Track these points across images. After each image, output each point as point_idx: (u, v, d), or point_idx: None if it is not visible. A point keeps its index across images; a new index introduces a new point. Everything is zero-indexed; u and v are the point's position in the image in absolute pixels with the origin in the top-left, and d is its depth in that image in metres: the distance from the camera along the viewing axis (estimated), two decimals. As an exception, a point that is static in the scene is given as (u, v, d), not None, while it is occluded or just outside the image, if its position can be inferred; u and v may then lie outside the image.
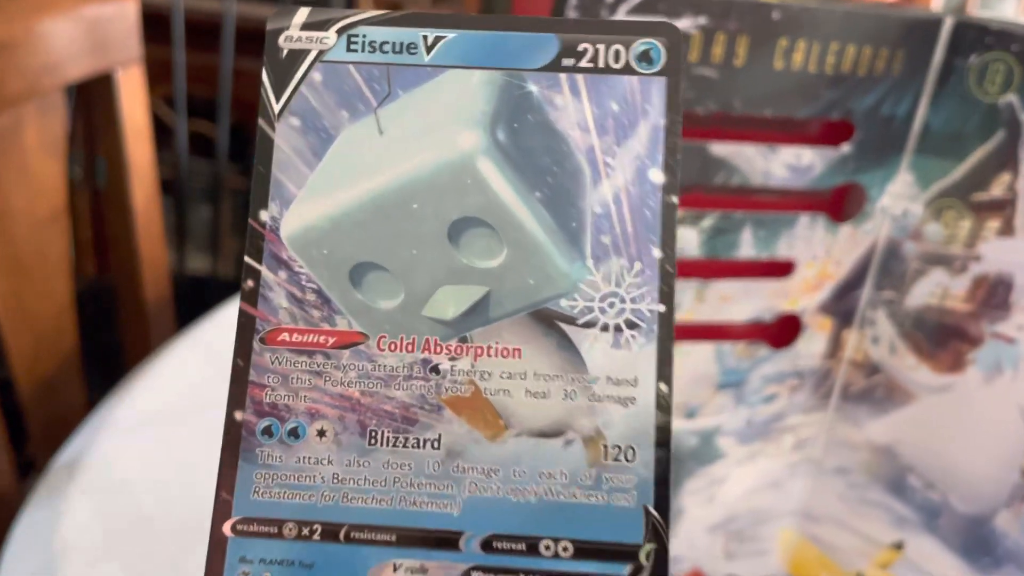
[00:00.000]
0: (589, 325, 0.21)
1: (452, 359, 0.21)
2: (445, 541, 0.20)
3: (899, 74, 0.33)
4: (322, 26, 0.22)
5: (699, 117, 0.33)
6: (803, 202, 0.35)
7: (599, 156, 0.22)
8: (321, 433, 0.21)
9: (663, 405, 0.21)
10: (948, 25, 0.33)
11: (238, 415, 0.21)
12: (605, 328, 0.21)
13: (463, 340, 0.21)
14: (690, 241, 0.34)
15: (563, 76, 0.22)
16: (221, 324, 0.63)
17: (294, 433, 0.21)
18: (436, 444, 0.21)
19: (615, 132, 0.22)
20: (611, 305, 0.21)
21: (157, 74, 0.85)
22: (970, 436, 0.35)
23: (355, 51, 0.22)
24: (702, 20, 0.31)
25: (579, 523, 0.20)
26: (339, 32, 0.22)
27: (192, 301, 0.96)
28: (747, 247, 0.35)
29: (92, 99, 0.70)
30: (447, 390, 0.21)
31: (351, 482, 0.21)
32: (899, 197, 0.35)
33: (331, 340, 0.21)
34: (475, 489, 0.21)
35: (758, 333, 0.37)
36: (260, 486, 0.21)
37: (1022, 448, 0.34)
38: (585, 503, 0.20)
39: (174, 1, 1.01)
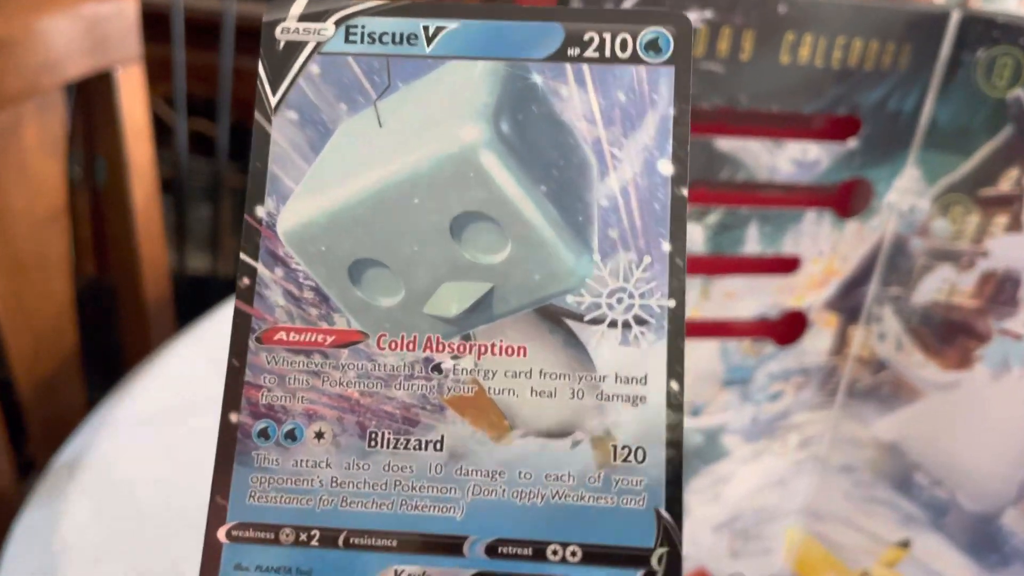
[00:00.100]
0: (596, 322, 0.21)
1: (455, 358, 0.21)
2: (448, 546, 0.20)
3: (906, 68, 0.33)
4: (320, 17, 0.22)
5: (704, 112, 0.32)
6: (809, 198, 0.35)
7: (606, 148, 0.21)
8: (319, 435, 0.20)
9: (674, 404, 0.20)
10: (955, 19, 0.33)
11: (233, 417, 0.21)
12: (613, 324, 0.21)
13: (466, 338, 0.21)
14: (695, 237, 0.34)
15: (568, 66, 0.21)
16: (221, 323, 0.63)
17: (291, 435, 0.20)
18: (438, 446, 0.20)
19: (622, 123, 0.21)
20: (619, 301, 0.21)
21: (157, 73, 0.84)
22: (977, 433, 0.35)
23: (354, 42, 0.22)
24: (708, 14, 0.30)
25: (588, 527, 0.20)
26: (337, 23, 0.22)
27: (192, 301, 0.96)
28: (753, 243, 0.35)
29: (92, 98, 0.70)
30: (450, 390, 0.21)
31: (350, 485, 0.20)
32: (906, 192, 0.35)
33: (329, 339, 0.21)
34: (479, 492, 0.20)
35: (764, 330, 0.37)
36: (256, 490, 0.20)
37: (1030, 445, 0.34)
38: (594, 506, 0.20)
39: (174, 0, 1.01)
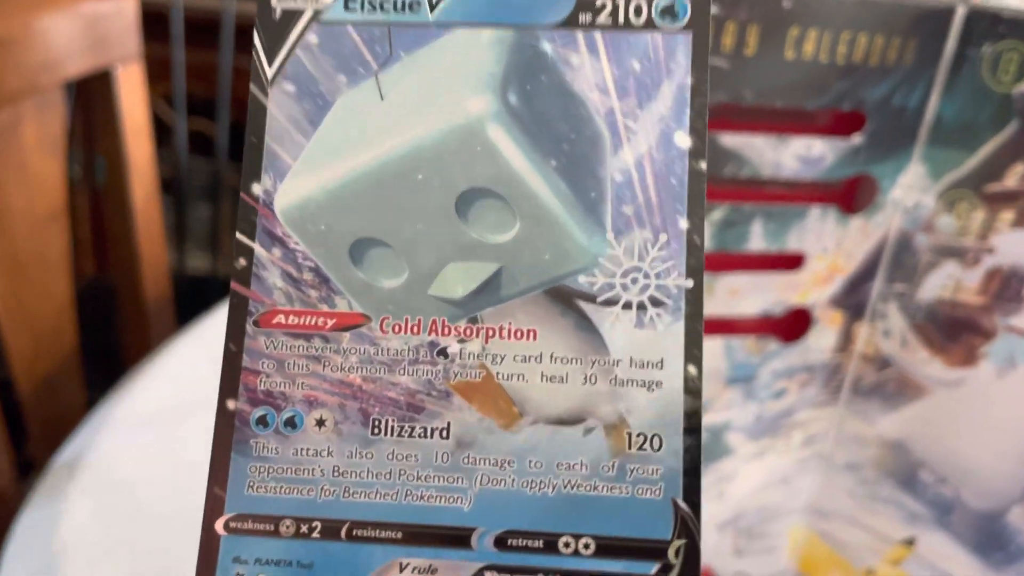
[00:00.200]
0: (610, 303, 0.20)
1: (461, 341, 0.20)
2: (455, 538, 0.19)
3: (911, 64, 0.33)
4: None
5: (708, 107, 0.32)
6: (814, 194, 0.35)
7: (620, 120, 0.20)
8: (320, 423, 0.20)
9: (692, 389, 0.19)
10: (960, 14, 0.32)
11: (230, 404, 0.20)
12: (628, 306, 0.20)
13: (473, 321, 0.20)
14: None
15: (580, 33, 0.20)
16: (221, 322, 0.62)
17: (291, 423, 0.20)
18: (445, 433, 0.20)
19: (637, 93, 0.20)
20: (634, 281, 0.20)
21: (156, 72, 0.84)
22: (983, 431, 0.35)
23: (353, 10, 0.21)
24: (712, 9, 0.30)
25: (601, 518, 0.19)
26: None
27: (192, 300, 0.96)
28: (757, 240, 0.34)
29: (91, 97, 0.70)
30: (456, 375, 0.20)
31: (353, 475, 0.19)
32: (911, 188, 0.35)
33: (330, 322, 0.20)
34: (488, 482, 0.19)
35: (768, 327, 0.36)
36: (255, 480, 0.19)
37: (1037, 442, 0.34)
38: (608, 496, 0.19)
39: (173, -1, 1.01)
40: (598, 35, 0.20)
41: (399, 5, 0.21)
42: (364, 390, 0.20)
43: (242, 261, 0.20)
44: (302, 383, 0.20)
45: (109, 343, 0.85)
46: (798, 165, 0.34)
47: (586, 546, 0.19)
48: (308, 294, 0.20)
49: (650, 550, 0.19)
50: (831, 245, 0.35)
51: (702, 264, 0.20)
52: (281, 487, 0.19)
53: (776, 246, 0.35)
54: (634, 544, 0.19)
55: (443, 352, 0.20)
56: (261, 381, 0.20)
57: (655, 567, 0.19)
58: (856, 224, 0.35)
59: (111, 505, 0.46)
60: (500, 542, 0.19)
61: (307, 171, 0.20)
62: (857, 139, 0.34)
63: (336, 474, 0.19)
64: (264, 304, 0.20)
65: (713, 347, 0.35)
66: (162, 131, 0.99)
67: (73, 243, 0.71)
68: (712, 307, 0.35)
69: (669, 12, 0.20)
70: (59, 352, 0.69)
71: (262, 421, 0.20)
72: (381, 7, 0.21)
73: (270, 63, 0.21)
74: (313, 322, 0.20)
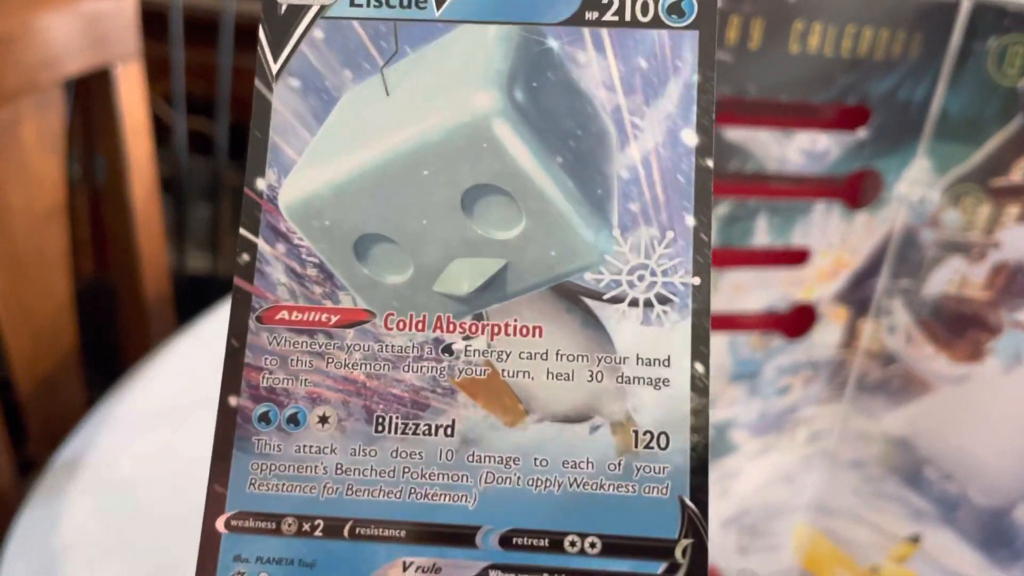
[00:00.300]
0: (617, 300, 0.20)
1: (466, 338, 0.20)
2: (460, 537, 0.19)
3: (916, 58, 0.33)
4: None
5: (713, 102, 0.32)
6: (819, 189, 0.34)
7: (626, 117, 0.20)
8: (323, 419, 0.20)
9: (699, 387, 0.19)
10: (966, 7, 0.32)
11: (232, 400, 0.20)
12: (634, 303, 0.20)
13: (478, 317, 0.20)
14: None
15: (586, 30, 0.20)
16: (222, 320, 0.62)
17: (294, 420, 0.20)
18: (449, 431, 0.19)
19: (643, 91, 0.20)
20: (640, 278, 0.20)
21: (155, 71, 0.84)
22: (989, 427, 0.35)
23: (359, 5, 0.21)
24: (717, 2, 0.30)
25: (608, 517, 0.19)
26: None
27: (192, 300, 0.96)
28: (762, 235, 0.34)
29: (91, 95, 0.70)
30: (461, 372, 0.20)
31: (356, 473, 0.19)
32: (916, 183, 0.35)
33: (334, 318, 0.20)
34: (493, 480, 0.19)
35: (772, 323, 0.36)
36: (257, 478, 0.19)
37: (1043, 439, 0.33)
38: (614, 495, 0.19)
39: (173, -2, 1.01)
40: (605, 32, 0.20)
41: (405, 1, 0.21)
42: (368, 387, 0.20)
43: (245, 256, 0.20)
44: (305, 380, 0.20)
45: (109, 343, 0.85)
46: (803, 160, 0.33)
47: (592, 545, 0.19)
48: (312, 290, 0.20)
49: (657, 549, 0.19)
50: (836, 240, 0.35)
51: (709, 261, 0.20)
52: (283, 485, 0.19)
53: (781, 241, 0.35)
54: (641, 543, 0.19)
55: (448, 349, 0.20)
56: (264, 377, 0.20)
57: (662, 566, 0.19)
58: (861, 219, 0.35)
59: (111, 504, 0.46)
60: (505, 541, 0.19)
61: (312, 166, 0.20)
62: (862, 133, 0.34)
63: (339, 472, 0.19)
64: (267, 300, 0.20)
65: (717, 343, 0.35)
66: (161, 131, 0.98)
67: (73, 243, 0.71)
68: (716, 303, 0.35)
69: (676, 9, 0.20)
70: (59, 351, 0.69)
71: (264, 418, 0.20)
72: (387, 3, 0.21)
73: (275, 58, 0.21)
74: (317, 318, 0.20)
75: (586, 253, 0.20)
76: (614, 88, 0.20)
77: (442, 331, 0.20)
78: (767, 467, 0.39)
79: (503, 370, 0.20)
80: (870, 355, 0.37)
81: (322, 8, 0.21)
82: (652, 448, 0.19)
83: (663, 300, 0.20)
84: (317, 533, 0.19)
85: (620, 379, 0.19)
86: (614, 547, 0.19)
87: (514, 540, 0.19)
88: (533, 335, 0.20)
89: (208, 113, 1.15)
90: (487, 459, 0.19)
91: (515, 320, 0.20)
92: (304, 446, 0.19)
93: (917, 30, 0.32)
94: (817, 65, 0.32)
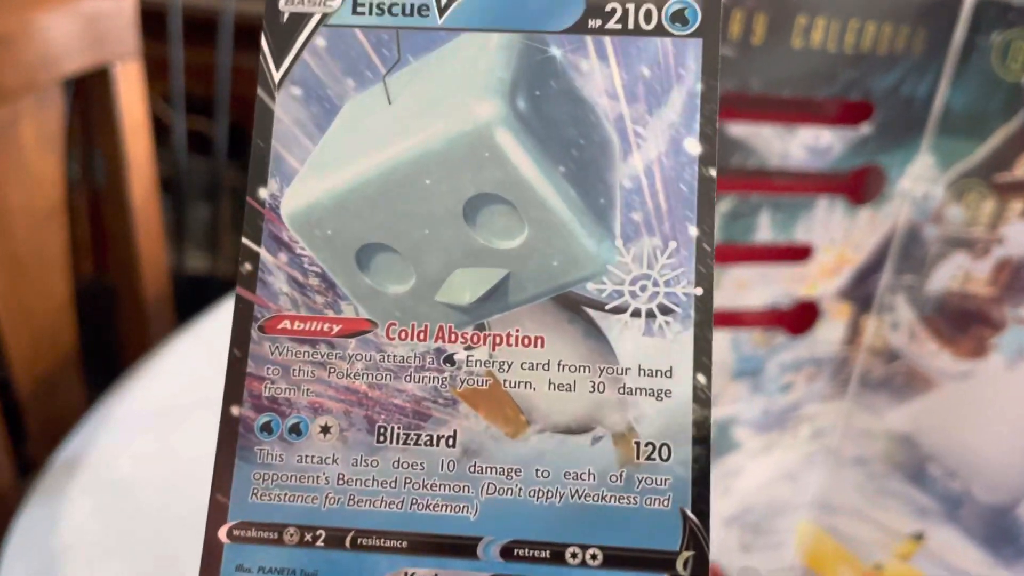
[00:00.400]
0: (619, 311, 0.20)
1: (468, 348, 0.20)
2: (461, 548, 0.19)
3: (920, 53, 0.33)
4: None
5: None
6: (822, 184, 0.34)
7: (629, 126, 0.20)
8: (325, 429, 0.20)
9: (701, 398, 0.19)
10: (969, 2, 0.32)
11: (235, 410, 0.20)
12: (636, 314, 0.20)
13: (480, 328, 0.20)
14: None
15: (589, 38, 0.20)
16: (221, 320, 0.62)
17: (295, 430, 0.20)
18: (451, 441, 0.19)
19: (646, 99, 0.20)
20: (643, 288, 0.20)
21: (155, 71, 0.84)
22: (992, 424, 0.35)
23: (362, 14, 0.21)
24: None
25: (609, 528, 0.19)
26: None
27: (191, 300, 0.96)
28: (764, 231, 0.34)
29: (90, 94, 0.69)
30: (463, 382, 0.20)
31: (358, 483, 0.19)
32: (920, 179, 0.35)
33: (336, 328, 0.20)
34: (494, 491, 0.19)
35: (775, 320, 0.36)
36: (259, 488, 0.19)
37: (1048, 435, 0.33)
38: (615, 506, 0.19)
39: (171, -3, 1.00)
40: (608, 40, 0.20)
41: (408, 9, 0.21)
42: (370, 397, 0.20)
43: (248, 266, 0.20)
44: (307, 389, 0.20)
45: (108, 343, 0.85)
46: (806, 155, 0.33)
47: (593, 557, 0.19)
48: (314, 299, 0.20)
49: (658, 561, 0.19)
50: (839, 236, 0.35)
51: (711, 272, 0.20)
52: (285, 495, 0.19)
53: (784, 237, 0.34)
54: (642, 555, 0.19)
55: (450, 359, 0.20)
56: (266, 387, 0.20)
57: None
58: (864, 215, 0.35)
59: (110, 504, 0.46)
60: (507, 552, 0.19)
61: (314, 175, 0.20)
62: (865, 129, 0.33)
63: (341, 482, 0.19)
64: (269, 309, 0.20)
65: (720, 340, 0.35)
66: (161, 130, 0.98)
67: (72, 242, 0.71)
68: (719, 299, 0.35)
69: (679, 17, 0.20)
70: (58, 351, 0.69)
71: (266, 428, 0.20)
72: (390, 11, 0.21)
73: (277, 66, 0.21)
74: (319, 328, 0.20)
75: (588, 263, 0.20)
76: (617, 97, 0.20)
77: (444, 341, 0.20)
78: (770, 464, 0.38)
79: (505, 380, 0.20)
80: (873, 352, 0.37)
81: (324, 16, 0.21)
82: (654, 459, 0.19)
83: (665, 311, 0.20)
84: (319, 543, 0.19)
85: (622, 390, 0.19)
86: (615, 559, 0.19)
87: (515, 551, 0.19)
88: (535, 345, 0.20)
89: (207, 113, 1.15)
90: (488, 470, 0.19)
91: (517, 330, 0.20)
92: (306, 456, 0.19)
93: (920, 25, 0.32)
94: (820, 60, 0.32)
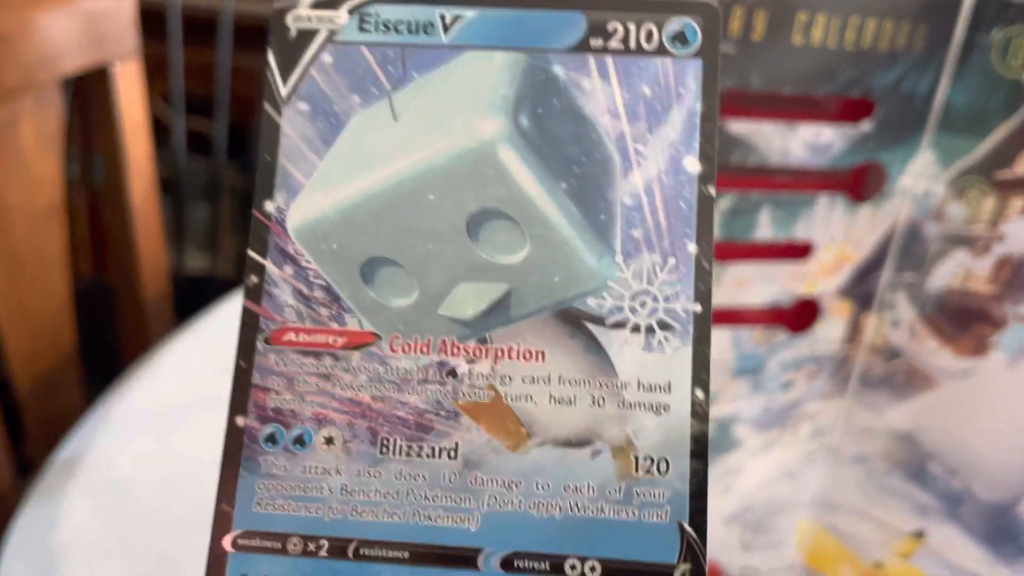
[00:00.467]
0: (619, 326, 0.20)
1: (470, 362, 0.20)
2: (462, 559, 0.19)
3: (920, 50, 0.33)
4: (333, 4, 0.21)
5: (716, 94, 0.32)
6: (822, 182, 0.34)
7: (630, 144, 0.20)
8: (329, 441, 0.20)
9: (699, 413, 0.19)
10: (970, -1, 0.32)
11: (240, 421, 0.20)
12: (636, 329, 0.20)
13: (482, 341, 0.20)
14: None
15: (591, 58, 0.21)
16: (220, 320, 0.62)
17: (300, 440, 0.20)
18: (453, 454, 0.20)
19: (647, 118, 0.20)
20: (642, 304, 0.20)
21: (154, 71, 0.84)
22: (993, 421, 0.35)
23: (368, 31, 0.21)
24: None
25: (608, 541, 0.19)
26: (351, 11, 0.21)
27: (191, 300, 0.96)
28: (764, 229, 0.34)
29: (89, 94, 0.69)
30: (465, 395, 0.20)
31: (361, 494, 0.20)
32: (920, 176, 0.35)
33: (340, 340, 0.20)
34: (495, 503, 0.19)
35: (775, 318, 0.36)
36: (263, 497, 0.20)
37: (1048, 434, 0.33)
38: (614, 519, 0.19)
39: (171, -3, 1.00)
40: (609, 60, 0.21)
41: (414, 27, 0.21)
42: (373, 409, 0.20)
43: (254, 279, 0.20)
44: (311, 401, 0.20)
45: (107, 342, 0.84)
46: (806, 152, 0.33)
47: (592, 569, 0.19)
48: (319, 312, 0.20)
49: (656, 574, 0.19)
50: (839, 234, 0.35)
51: (710, 288, 0.20)
52: (289, 505, 0.20)
53: (784, 235, 0.34)
54: (640, 568, 0.19)
55: (452, 372, 0.20)
56: (271, 398, 0.20)
57: None
58: (865, 212, 0.35)
59: (109, 504, 0.46)
60: (506, 563, 0.19)
61: (320, 190, 0.20)
62: (866, 126, 0.33)
63: (344, 492, 0.20)
64: (275, 321, 0.20)
65: (720, 338, 0.35)
66: (160, 131, 0.98)
67: (71, 242, 0.71)
68: (719, 297, 0.35)
69: (680, 38, 0.21)
70: (57, 351, 0.68)
71: (271, 438, 0.20)
72: (396, 28, 0.21)
73: (284, 82, 0.21)
74: (323, 340, 0.20)
75: (589, 279, 0.20)
76: (618, 115, 0.20)
77: (446, 354, 0.20)
78: (770, 463, 0.38)
79: (506, 394, 0.20)
80: (874, 350, 0.37)
81: (331, 33, 0.21)
82: (652, 473, 0.19)
83: (664, 326, 0.20)
84: (322, 553, 0.19)
85: (621, 404, 0.20)
86: (614, 571, 0.19)
87: (515, 563, 0.19)
88: (536, 359, 0.20)
89: (207, 113, 1.15)
90: (490, 482, 0.19)
91: (518, 344, 0.20)
92: (310, 467, 0.20)
93: (921, 22, 0.32)
94: (820, 57, 0.32)
